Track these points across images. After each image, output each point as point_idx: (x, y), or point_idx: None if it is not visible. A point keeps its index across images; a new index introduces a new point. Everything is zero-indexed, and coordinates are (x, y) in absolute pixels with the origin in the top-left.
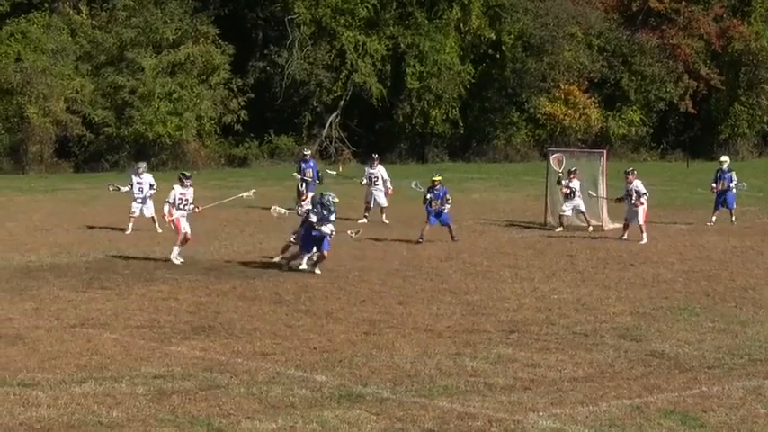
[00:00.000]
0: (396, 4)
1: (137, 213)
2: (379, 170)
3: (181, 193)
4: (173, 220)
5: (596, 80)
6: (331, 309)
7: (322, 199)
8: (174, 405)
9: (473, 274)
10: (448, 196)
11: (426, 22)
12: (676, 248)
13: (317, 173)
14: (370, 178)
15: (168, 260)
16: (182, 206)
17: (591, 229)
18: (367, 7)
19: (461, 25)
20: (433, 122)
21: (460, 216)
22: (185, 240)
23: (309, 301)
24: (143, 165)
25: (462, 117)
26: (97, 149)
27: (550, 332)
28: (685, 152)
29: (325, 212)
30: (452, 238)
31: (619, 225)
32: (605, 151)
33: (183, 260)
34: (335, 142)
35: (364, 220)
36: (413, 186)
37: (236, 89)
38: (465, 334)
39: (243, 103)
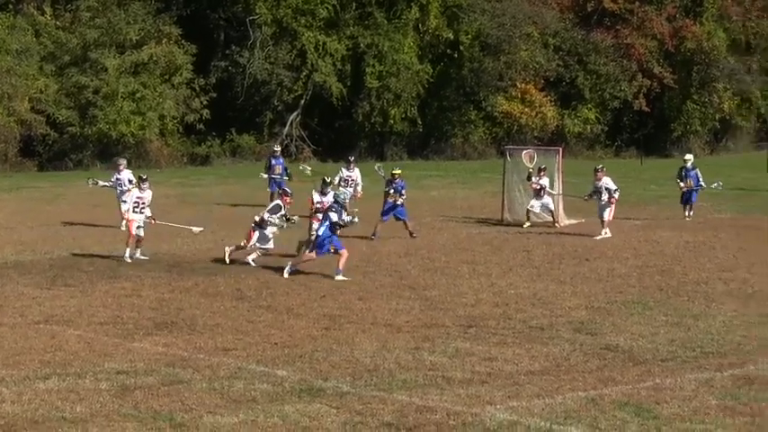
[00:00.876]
0: (355, 4)
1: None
2: (356, 173)
3: (138, 197)
4: (128, 220)
5: (552, 79)
6: (292, 305)
7: (338, 198)
8: (137, 400)
9: (431, 270)
10: (404, 191)
11: (385, 22)
12: (630, 244)
13: (286, 169)
14: (346, 180)
15: (134, 258)
16: (137, 209)
17: (558, 226)
18: (327, 8)
19: (420, 25)
20: (392, 121)
21: (419, 213)
22: (138, 241)
23: (271, 297)
24: (123, 161)
25: (421, 115)
26: (61, 148)
27: (507, 326)
28: (639, 149)
29: (340, 209)
30: (411, 234)
31: (574, 221)
32: (561, 149)
33: (147, 257)
34: (296, 140)
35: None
36: (375, 169)
37: (198, 89)
38: (423, 329)
39: (205, 103)
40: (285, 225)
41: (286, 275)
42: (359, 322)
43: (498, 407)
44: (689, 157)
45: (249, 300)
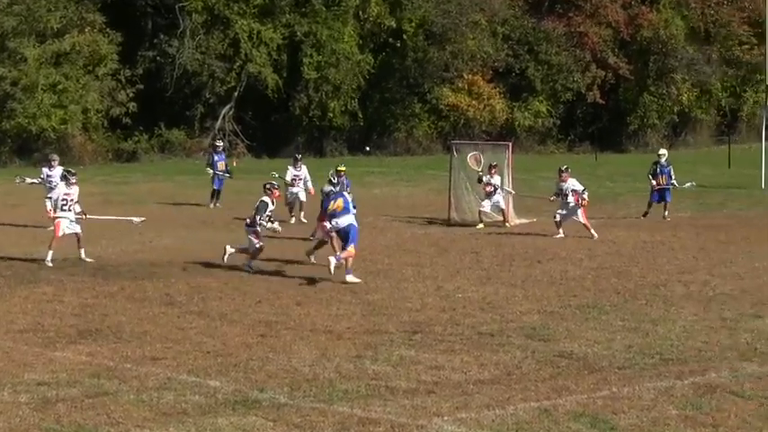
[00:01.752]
0: None
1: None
2: (304, 171)
3: (65, 193)
4: (54, 219)
5: (501, 70)
6: (225, 310)
7: (330, 194)
8: (60, 414)
9: (374, 273)
10: (349, 189)
11: (324, 9)
12: (585, 244)
13: (227, 167)
14: (294, 179)
15: (82, 261)
16: (65, 206)
17: (508, 225)
18: None
19: (360, 13)
20: (331, 114)
21: (361, 212)
22: (79, 241)
23: (202, 303)
24: (57, 157)
25: (362, 109)
26: None
27: (455, 333)
28: (593, 144)
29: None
30: None
31: (525, 221)
32: (511, 144)
33: (92, 260)
34: (229, 135)
35: (293, 221)
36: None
37: (124, 80)
38: (366, 335)
39: (131, 95)
40: (271, 225)
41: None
42: (297, 329)
43: (446, 418)
44: (663, 152)
45: (179, 305)
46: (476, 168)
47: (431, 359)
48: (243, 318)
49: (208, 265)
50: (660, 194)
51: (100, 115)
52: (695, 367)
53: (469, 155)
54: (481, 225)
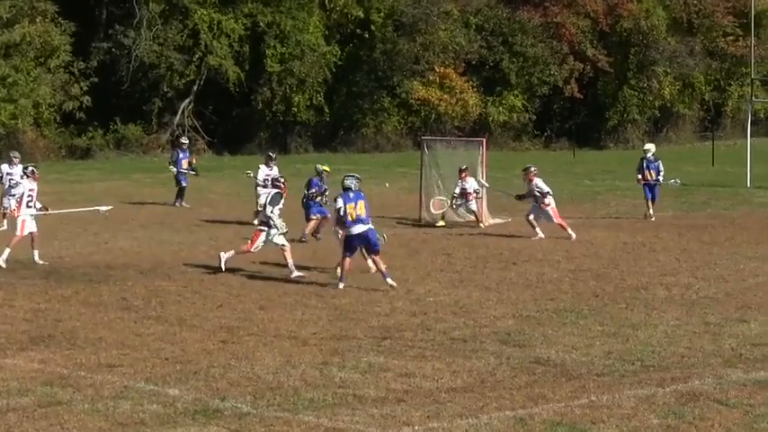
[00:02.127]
0: None
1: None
2: (275, 171)
3: (30, 189)
4: (18, 216)
5: (474, 62)
6: (184, 315)
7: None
8: (10, 424)
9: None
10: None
11: None
12: (562, 245)
13: (191, 164)
14: (265, 179)
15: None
16: (30, 203)
17: (482, 226)
18: None
19: (326, 2)
20: (295, 109)
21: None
22: (33, 241)
23: (160, 307)
24: (18, 154)
25: (328, 103)
26: None
27: (426, 338)
28: (571, 140)
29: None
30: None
31: (500, 220)
32: (484, 140)
33: (47, 262)
34: (189, 131)
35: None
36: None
37: (77, 73)
38: (332, 341)
39: (85, 89)
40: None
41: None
42: (260, 334)
43: (416, 428)
44: (649, 146)
45: (136, 310)
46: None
47: (401, 366)
48: (203, 323)
49: (166, 267)
50: (649, 190)
51: (52, 110)
52: (677, 374)
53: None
54: (442, 222)
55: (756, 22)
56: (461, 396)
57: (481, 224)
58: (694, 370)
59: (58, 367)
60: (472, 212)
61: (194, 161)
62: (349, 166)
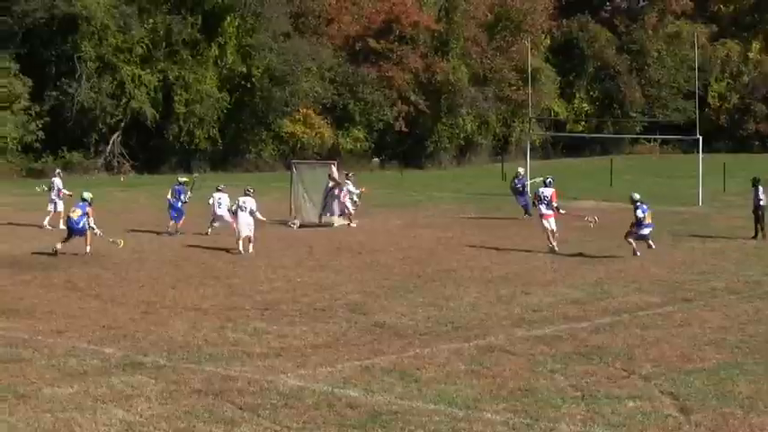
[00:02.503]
0: (165, 43)
1: None
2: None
3: None
4: None
5: (328, 105)
6: (115, 294)
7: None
8: None
9: (233, 263)
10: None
11: (190, 58)
12: (393, 239)
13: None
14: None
15: None
16: None
17: (353, 225)
18: (142, 46)
19: (219, 61)
20: (197, 140)
21: None
22: None
23: (98, 288)
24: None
25: (221, 136)
26: None
27: (296, 309)
28: (400, 163)
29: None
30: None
31: (344, 222)
32: (336, 162)
33: None
34: (117, 157)
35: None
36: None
37: (34, 114)
38: (227, 311)
39: (40, 125)
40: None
41: None
42: (172, 307)
43: (289, 375)
44: (521, 170)
45: (80, 290)
46: (335, 176)
47: (278, 330)
48: (129, 299)
49: (101, 258)
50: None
51: (15, 141)
52: (479, 333)
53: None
54: (297, 222)
55: (533, 76)
56: (322, 351)
57: (352, 224)
58: (491, 330)
59: (20, 333)
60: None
61: (122, 179)
62: (237, 182)
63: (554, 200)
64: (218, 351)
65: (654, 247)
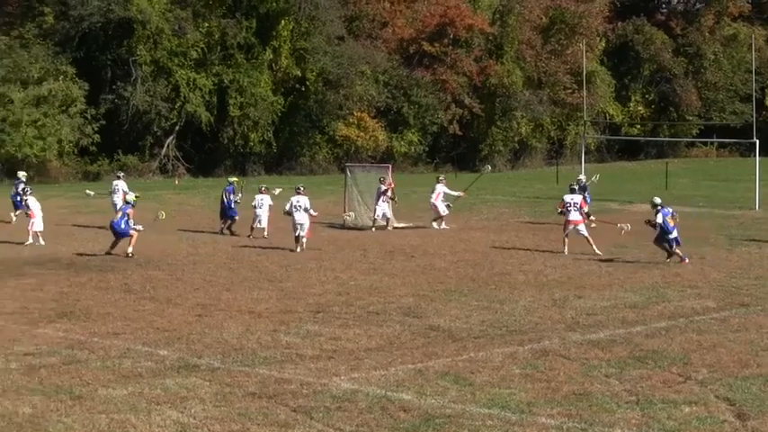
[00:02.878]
0: (219, 47)
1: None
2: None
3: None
4: None
5: (382, 108)
6: (171, 296)
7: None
8: (42, 377)
9: (286, 266)
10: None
11: (245, 62)
12: (447, 243)
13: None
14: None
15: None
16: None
17: (391, 228)
18: (196, 50)
19: (273, 65)
20: (251, 143)
21: (278, 219)
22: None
23: (153, 290)
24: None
25: (275, 139)
26: None
27: (349, 312)
28: (454, 166)
29: None
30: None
31: (404, 225)
32: (390, 166)
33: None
34: (172, 160)
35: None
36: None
37: (90, 117)
38: (280, 314)
39: (96, 129)
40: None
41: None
42: (226, 310)
43: (342, 378)
44: (582, 177)
45: (135, 292)
46: (389, 180)
47: (330, 332)
48: (184, 301)
49: (156, 260)
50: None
51: (71, 145)
52: (533, 336)
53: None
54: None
55: (587, 79)
56: (375, 354)
57: (390, 227)
58: (545, 333)
59: (77, 335)
60: (386, 219)
61: (177, 182)
62: (291, 185)
63: (583, 206)
64: (271, 354)
65: (686, 261)
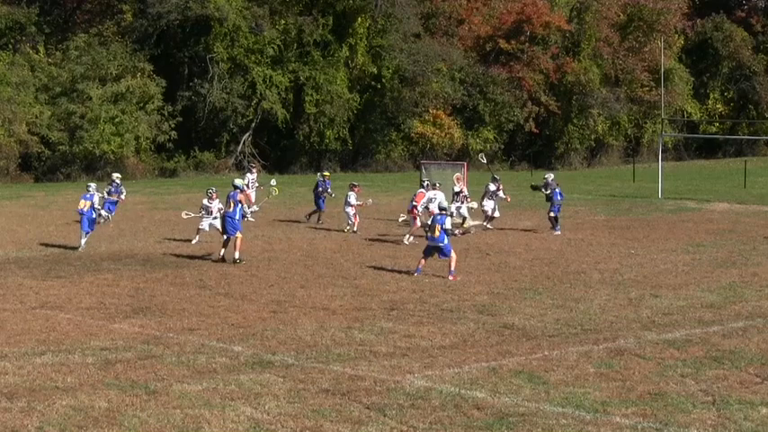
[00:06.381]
0: (296, 44)
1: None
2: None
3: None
4: None
5: (458, 106)
6: (245, 292)
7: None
8: (118, 372)
9: (360, 263)
10: (330, 188)
11: (321, 59)
12: (522, 241)
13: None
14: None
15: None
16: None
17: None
18: (273, 47)
19: (349, 62)
20: (327, 140)
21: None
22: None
23: (228, 286)
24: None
25: (351, 136)
26: (53, 164)
27: (423, 309)
28: (530, 163)
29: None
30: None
31: (477, 223)
32: (466, 163)
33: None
34: (248, 157)
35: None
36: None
37: (167, 114)
38: (354, 311)
39: (173, 126)
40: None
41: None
42: (301, 306)
43: (416, 375)
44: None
45: (210, 288)
46: (458, 185)
47: (404, 329)
48: (259, 298)
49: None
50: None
51: (148, 141)
52: (608, 335)
53: (455, 175)
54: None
55: (665, 76)
56: (449, 351)
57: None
58: (620, 332)
59: (152, 330)
60: (463, 218)
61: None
62: (366, 182)
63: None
64: (345, 351)
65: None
